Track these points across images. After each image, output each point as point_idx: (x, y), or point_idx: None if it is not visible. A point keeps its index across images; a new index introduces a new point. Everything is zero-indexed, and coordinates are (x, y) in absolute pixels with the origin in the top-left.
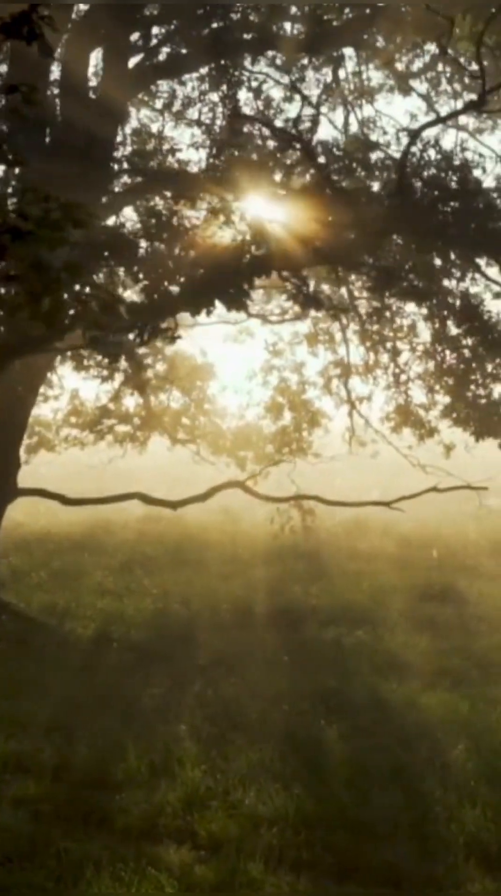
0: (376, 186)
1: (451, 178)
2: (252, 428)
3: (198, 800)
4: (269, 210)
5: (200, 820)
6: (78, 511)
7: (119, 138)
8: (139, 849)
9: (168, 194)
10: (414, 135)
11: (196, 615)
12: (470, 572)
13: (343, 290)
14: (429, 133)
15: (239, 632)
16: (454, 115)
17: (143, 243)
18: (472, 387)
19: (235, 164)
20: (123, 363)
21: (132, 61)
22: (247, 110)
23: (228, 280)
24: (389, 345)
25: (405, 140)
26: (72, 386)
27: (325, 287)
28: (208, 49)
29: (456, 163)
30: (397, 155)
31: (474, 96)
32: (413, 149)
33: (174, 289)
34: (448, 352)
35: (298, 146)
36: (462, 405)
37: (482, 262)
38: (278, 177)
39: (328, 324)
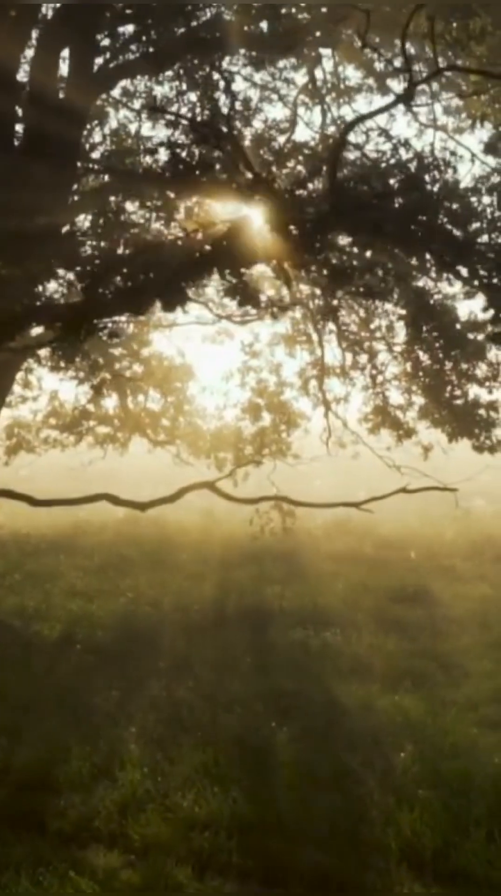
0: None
1: (385, 175)
2: (231, 429)
3: (135, 803)
4: (209, 209)
5: (134, 823)
6: (58, 513)
7: (98, 138)
8: (68, 853)
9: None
10: (344, 131)
11: (165, 617)
12: (446, 574)
13: (312, 290)
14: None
15: (205, 633)
16: (383, 109)
17: (92, 241)
18: (448, 387)
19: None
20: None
21: (100, 61)
22: (225, 110)
23: (167, 280)
24: (365, 345)
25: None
26: (51, 387)
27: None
28: (176, 48)
29: (393, 160)
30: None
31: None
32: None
33: (114, 287)
34: (420, 352)
35: (216, 142)
36: (436, 406)
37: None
38: (212, 175)
39: (305, 324)
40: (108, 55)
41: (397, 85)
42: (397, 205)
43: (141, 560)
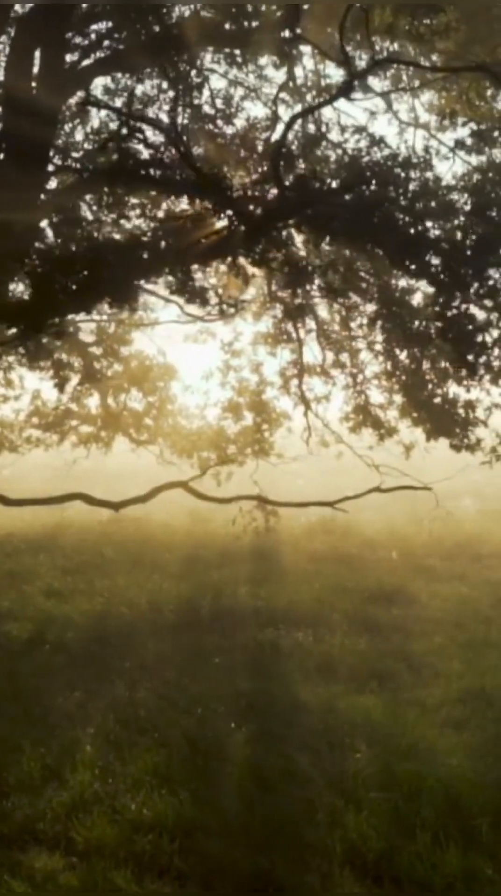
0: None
1: (339, 171)
2: (214, 429)
3: (82, 805)
4: (161, 206)
5: (79, 826)
6: (41, 513)
7: (80, 136)
8: (7, 855)
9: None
10: (288, 125)
11: (139, 617)
12: (425, 573)
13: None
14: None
15: (177, 633)
16: (325, 103)
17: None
18: (426, 386)
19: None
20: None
21: (74, 58)
22: (207, 108)
23: (116, 278)
24: (346, 344)
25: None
26: (33, 386)
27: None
28: (148, 46)
29: (345, 154)
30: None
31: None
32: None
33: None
34: (397, 350)
35: (169, 139)
36: (414, 405)
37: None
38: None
39: (284, 323)
40: (80, 53)
41: (378, 82)
42: (348, 200)
43: (122, 560)
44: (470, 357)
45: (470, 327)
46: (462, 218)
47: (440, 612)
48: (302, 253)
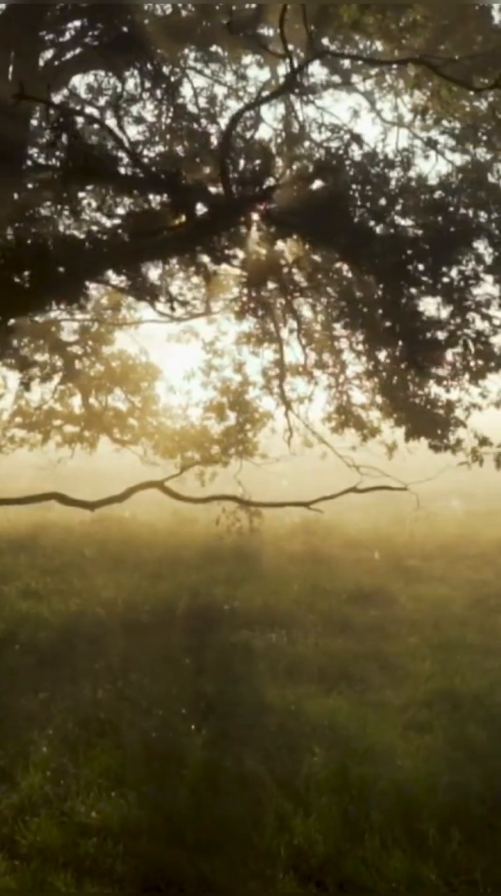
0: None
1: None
2: (197, 429)
3: (30, 807)
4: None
5: (24, 829)
6: (23, 513)
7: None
8: None
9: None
10: (232, 121)
11: (114, 618)
12: (406, 574)
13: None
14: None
15: (150, 634)
16: (270, 97)
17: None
18: (407, 386)
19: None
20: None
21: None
22: (191, 107)
23: (64, 277)
24: (328, 343)
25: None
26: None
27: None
28: (123, 43)
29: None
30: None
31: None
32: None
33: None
34: (375, 350)
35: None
36: (393, 404)
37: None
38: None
39: (266, 323)
40: (55, 51)
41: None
42: (301, 196)
43: (102, 560)
44: (419, 356)
45: (417, 324)
46: (414, 215)
47: (417, 613)
48: (265, 251)
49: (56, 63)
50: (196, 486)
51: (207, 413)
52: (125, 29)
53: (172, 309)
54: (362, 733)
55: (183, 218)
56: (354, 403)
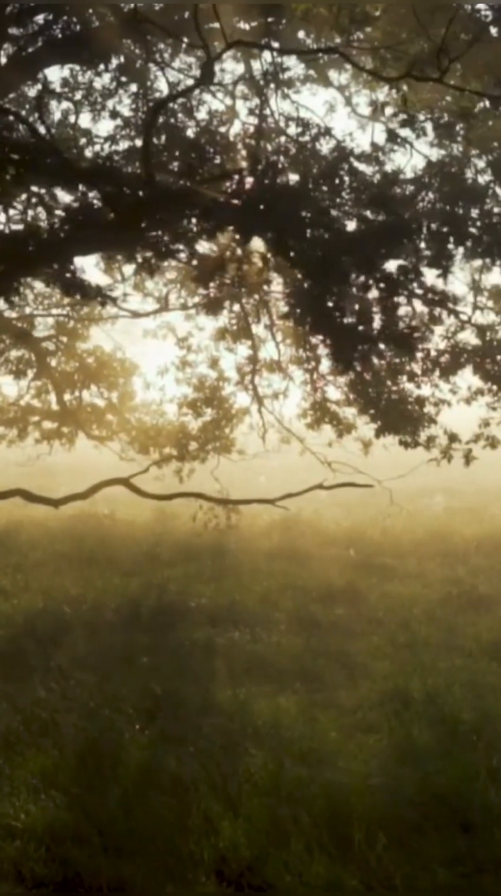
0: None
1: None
2: (173, 425)
3: None
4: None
5: None
6: (4, 510)
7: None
8: None
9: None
10: (153, 114)
11: (78, 615)
12: (380, 572)
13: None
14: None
15: (112, 632)
16: (187, 91)
17: None
18: (377, 382)
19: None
20: None
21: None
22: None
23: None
24: (301, 339)
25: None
26: None
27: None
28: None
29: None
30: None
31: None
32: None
33: None
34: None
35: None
36: (365, 401)
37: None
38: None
39: (242, 319)
40: (20, 44)
41: (335, 75)
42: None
43: (77, 557)
44: (346, 350)
45: (343, 319)
46: (351, 210)
47: (386, 611)
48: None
49: (23, 55)
50: (174, 482)
51: (182, 409)
52: (79, 27)
53: (102, 305)
54: (307, 734)
55: (111, 212)
56: (329, 400)
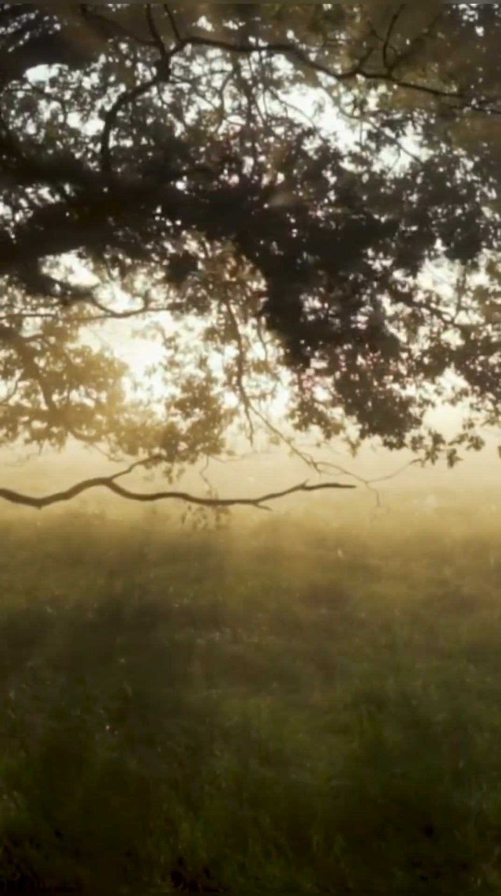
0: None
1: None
2: (162, 425)
3: None
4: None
5: None
6: None
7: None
8: None
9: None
10: (111, 112)
11: (60, 616)
12: (367, 572)
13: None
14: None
15: (92, 633)
16: (143, 88)
17: None
18: (362, 383)
19: None
20: None
21: None
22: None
23: None
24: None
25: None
26: None
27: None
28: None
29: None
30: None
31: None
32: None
33: None
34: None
35: None
36: (349, 402)
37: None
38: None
39: (229, 318)
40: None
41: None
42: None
43: (65, 557)
44: (302, 346)
45: (302, 319)
46: (320, 210)
47: (369, 612)
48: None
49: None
50: (164, 482)
51: (170, 410)
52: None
53: (64, 304)
54: (276, 735)
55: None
56: (316, 400)
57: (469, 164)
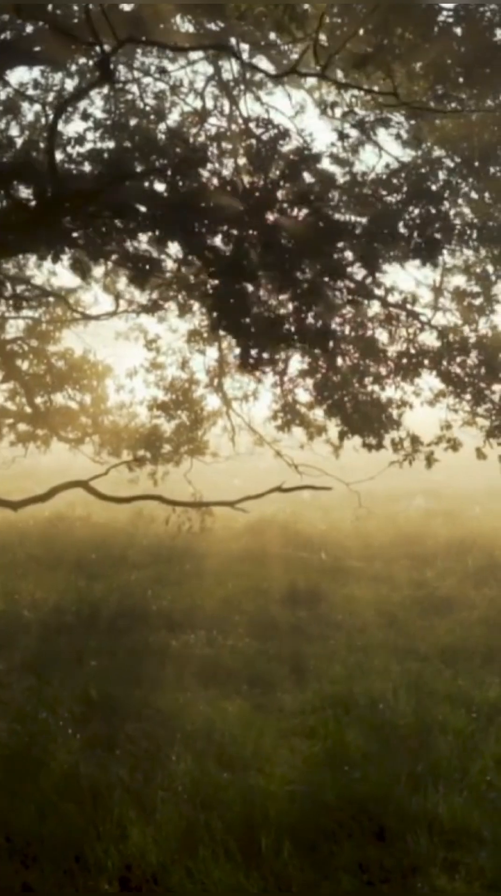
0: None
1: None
2: (146, 427)
3: None
4: None
5: None
6: None
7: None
8: None
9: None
10: (57, 112)
11: (37, 619)
12: (349, 574)
13: None
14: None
15: (67, 635)
16: (87, 89)
17: None
18: (340, 385)
19: None
20: None
21: None
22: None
23: None
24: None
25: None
26: None
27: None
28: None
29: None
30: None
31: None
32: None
33: None
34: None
35: None
36: (331, 402)
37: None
38: None
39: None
40: None
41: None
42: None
43: (47, 560)
44: (249, 348)
45: (249, 320)
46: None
47: (347, 614)
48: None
49: None
50: (149, 484)
51: (153, 412)
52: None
53: (18, 308)
54: (240, 738)
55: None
56: (298, 402)
57: (443, 165)
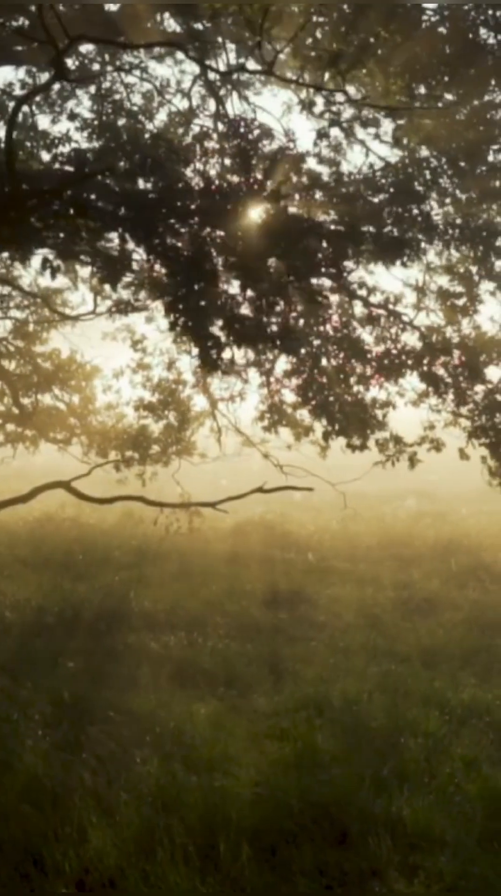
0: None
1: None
2: (133, 428)
3: None
4: None
5: None
6: None
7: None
8: None
9: None
10: (14, 111)
11: (18, 619)
12: (335, 575)
13: None
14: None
15: (47, 636)
16: (44, 87)
17: None
18: (324, 385)
19: None
20: None
21: None
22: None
23: None
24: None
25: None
26: None
27: None
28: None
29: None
30: None
31: None
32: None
33: None
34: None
35: None
36: (315, 403)
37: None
38: None
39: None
40: None
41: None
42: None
43: (33, 561)
44: (209, 349)
45: (207, 320)
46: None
47: (330, 615)
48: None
49: None
50: (137, 485)
51: (140, 412)
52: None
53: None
54: (209, 741)
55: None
56: (284, 402)
57: (427, 165)
